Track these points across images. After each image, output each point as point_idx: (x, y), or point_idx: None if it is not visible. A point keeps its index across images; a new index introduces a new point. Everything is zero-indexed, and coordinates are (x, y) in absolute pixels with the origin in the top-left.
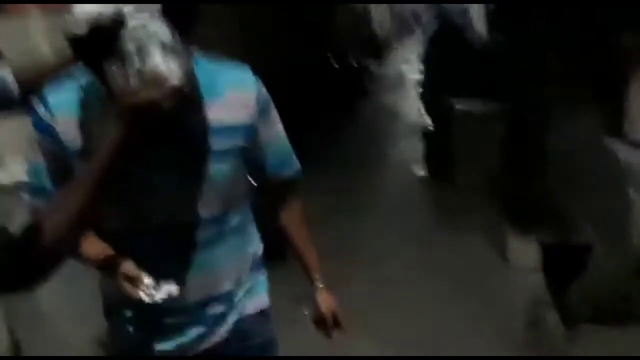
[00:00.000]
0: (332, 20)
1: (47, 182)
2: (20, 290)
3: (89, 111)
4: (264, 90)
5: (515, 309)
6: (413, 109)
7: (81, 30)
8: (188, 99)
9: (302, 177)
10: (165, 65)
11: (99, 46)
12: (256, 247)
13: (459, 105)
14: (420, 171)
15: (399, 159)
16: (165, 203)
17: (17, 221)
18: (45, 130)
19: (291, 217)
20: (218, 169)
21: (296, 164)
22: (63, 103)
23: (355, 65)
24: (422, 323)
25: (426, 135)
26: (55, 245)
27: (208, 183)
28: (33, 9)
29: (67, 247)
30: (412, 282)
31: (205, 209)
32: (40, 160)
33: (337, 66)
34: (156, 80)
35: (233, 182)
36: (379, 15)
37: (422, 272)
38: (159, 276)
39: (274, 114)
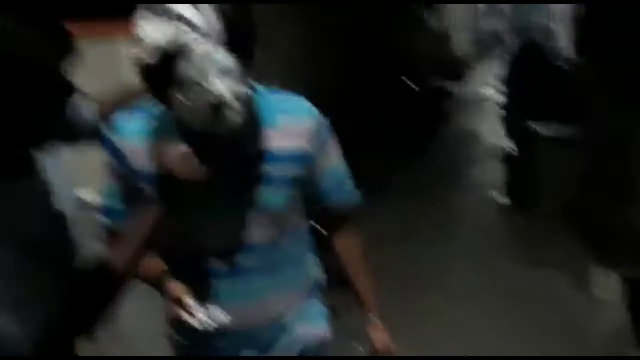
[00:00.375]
0: (411, 43)
1: (119, 204)
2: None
3: (157, 137)
4: (321, 119)
5: (596, 342)
6: (494, 132)
7: (149, 58)
8: (246, 125)
9: (358, 205)
10: (226, 91)
11: (165, 73)
12: (313, 274)
13: (542, 129)
14: (500, 197)
15: (478, 184)
16: (218, 227)
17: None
18: (116, 155)
19: (346, 247)
20: (273, 195)
21: (353, 193)
22: (133, 130)
23: (434, 87)
24: (500, 354)
25: (507, 160)
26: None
27: (262, 209)
28: (120, 33)
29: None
30: (489, 313)
31: (259, 235)
32: (113, 183)
33: (414, 87)
34: (217, 105)
35: (288, 209)
36: (458, 36)
37: (499, 302)
38: (211, 300)
39: (332, 143)
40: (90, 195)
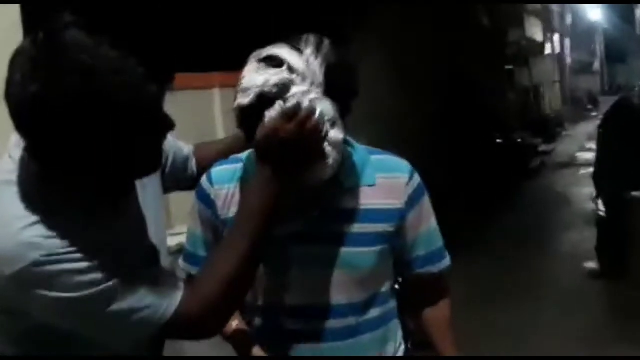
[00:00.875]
0: (500, 98)
1: (200, 251)
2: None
3: (248, 183)
4: (418, 179)
5: None
6: (585, 195)
7: (247, 100)
8: (339, 179)
9: (449, 273)
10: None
11: (261, 116)
12: (397, 343)
13: (637, 194)
14: (591, 264)
15: (568, 249)
16: (303, 283)
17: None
18: (204, 200)
19: (435, 317)
20: (360, 254)
21: (446, 261)
22: (224, 176)
23: (522, 144)
24: None
25: (600, 225)
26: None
27: (350, 267)
28: (216, 83)
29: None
30: None
31: (342, 297)
32: (198, 229)
33: (500, 141)
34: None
35: (376, 270)
36: (550, 94)
37: None
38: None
39: (427, 206)
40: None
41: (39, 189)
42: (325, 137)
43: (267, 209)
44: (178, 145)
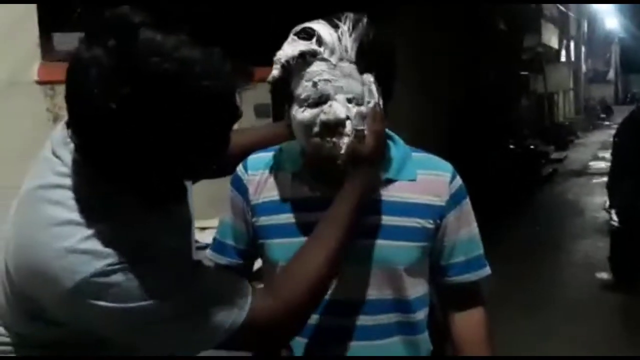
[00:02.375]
0: (515, 105)
1: (229, 240)
2: None
3: (283, 168)
4: (460, 181)
5: None
6: (597, 204)
7: (276, 72)
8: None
9: (487, 283)
10: (342, 113)
11: (287, 89)
12: (424, 347)
13: None
14: (604, 274)
15: (580, 258)
16: (340, 276)
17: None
18: (238, 186)
19: (469, 329)
20: (398, 247)
21: (485, 269)
22: (258, 162)
23: (535, 151)
24: None
25: (613, 234)
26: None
27: (386, 261)
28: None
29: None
30: None
31: (378, 291)
32: (229, 218)
33: (512, 147)
34: (336, 125)
35: (412, 268)
36: (564, 102)
37: None
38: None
39: (469, 210)
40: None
41: (95, 195)
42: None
43: (354, 215)
44: None
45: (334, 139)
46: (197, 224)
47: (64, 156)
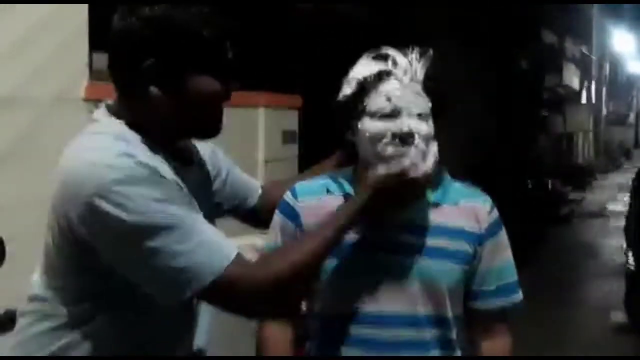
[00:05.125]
0: (534, 144)
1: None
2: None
3: (334, 193)
4: (497, 213)
5: None
6: (614, 247)
7: (350, 89)
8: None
9: (518, 313)
10: (414, 127)
11: (359, 104)
12: None
13: None
14: (619, 316)
15: (595, 300)
16: (369, 288)
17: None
18: (288, 213)
19: (493, 353)
20: (436, 266)
21: (517, 297)
22: (309, 189)
23: (553, 192)
24: None
25: (628, 277)
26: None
27: (424, 279)
28: (262, 102)
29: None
30: None
31: (409, 305)
32: (276, 242)
33: (530, 186)
34: (402, 137)
35: (452, 287)
36: (583, 143)
37: None
38: None
39: (504, 240)
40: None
41: (126, 135)
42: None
43: (349, 222)
44: (234, 168)
45: (404, 149)
46: None
47: (101, 117)
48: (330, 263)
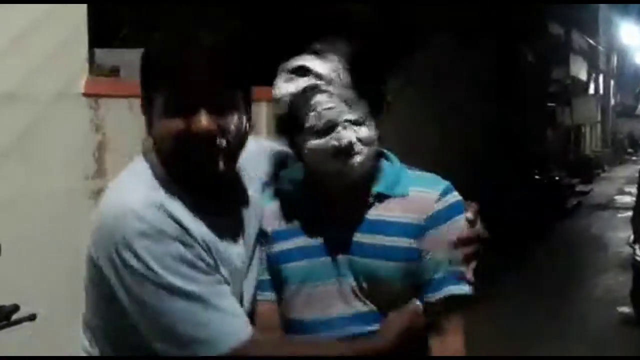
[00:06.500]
0: (541, 136)
1: (265, 274)
2: None
3: (290, 196)
4: (453, 200)
5: None
6: (621, 239)
7: (280, 110)
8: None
9: (467, 302)
10: (351, 136)
11: (294, 122)
12: None
13: None
14: (625, 308)
15: (601, 293)
16: (313, 293)
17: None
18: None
19: (443, 351)
20: (372, 265)
21: (463, 285)
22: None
23: (560, 184)
24: None
25: (636, 269)
26: None
27: (367, 278)
28: (264, 97)
29: None
30: None
31: (352, 307)
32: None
33: (538, 178)
34: (348, 150)
35: (389, 287)
36: (591, 135)
37: None
38: None
39: (455, 227)
40: None
41: (159, 181)
42: None
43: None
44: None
45: (347, 160)
46: None
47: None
48: (284, 269)
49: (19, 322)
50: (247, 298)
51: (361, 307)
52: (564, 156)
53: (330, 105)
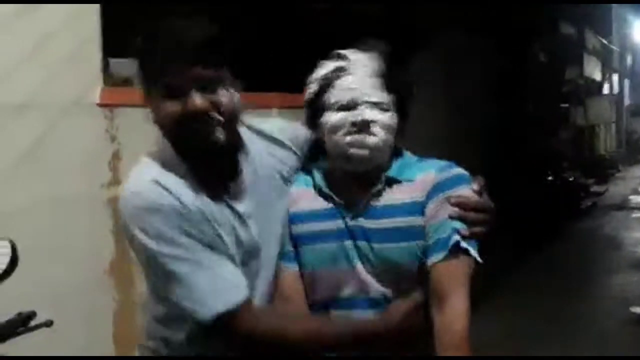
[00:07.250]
0: (555, 137)
1: (289, 246)
2: None
3: (311, 182)
4: (449, 174)
5: None
6: (635, 239)
7: (312, 90)
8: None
9: (474, 265)
10: (370, 116)
11: (320, 102)
12: None
13: None
14: (639, 309)
15: (615, 293)
16: (330, 276)
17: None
18: None
19: (443, 328)
20: (394, 248)
21: (469, 242)
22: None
23: (573, 184)
24: None
25: None
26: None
27: (383, 262)
28: (275, 103)
29: None
30: None
31: (374, 289)
32: None
33: (551, 179)
34: (364, 128)
35: (409, 268)
36: (605, 135)
37: None
38: None
39: (458, 190)
40: None
41: (169, 161)
42: None
43: (358, 340)
44: None
45: (363, 139)
46: None
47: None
48: (303, 252)
49: (36, 328)
50: (263, 275)
51: (373, 292)
52: (578, 157)
53: (356, 85)
